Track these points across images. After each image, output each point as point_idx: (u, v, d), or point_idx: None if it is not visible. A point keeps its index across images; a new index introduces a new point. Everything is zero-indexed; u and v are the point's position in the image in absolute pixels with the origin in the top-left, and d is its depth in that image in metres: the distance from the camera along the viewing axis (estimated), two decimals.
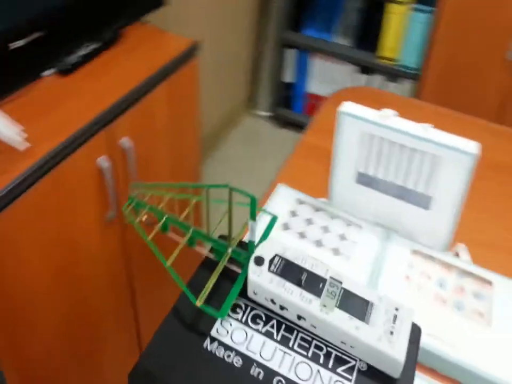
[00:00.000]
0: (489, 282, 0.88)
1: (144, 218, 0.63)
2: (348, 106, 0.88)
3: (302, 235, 0.92)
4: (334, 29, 2.50)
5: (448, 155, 0.84)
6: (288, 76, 2.66)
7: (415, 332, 0.61)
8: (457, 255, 0.98)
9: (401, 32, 2.29)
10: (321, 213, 0.96)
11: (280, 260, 0.60)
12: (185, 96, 1.40)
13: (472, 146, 0.84)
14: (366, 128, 0.87)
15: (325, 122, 1.30)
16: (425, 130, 0.85)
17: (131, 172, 1.25)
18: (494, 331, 0.79)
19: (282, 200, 0.97)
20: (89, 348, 1.34)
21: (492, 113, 2.23)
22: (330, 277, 0.61)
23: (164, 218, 0.60)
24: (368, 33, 2.42)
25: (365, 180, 0.94)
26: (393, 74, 2.43)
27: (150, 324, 1.65)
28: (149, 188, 0.63)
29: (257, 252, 0.60)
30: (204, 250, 0.63)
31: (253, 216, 0.55)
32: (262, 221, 0.90)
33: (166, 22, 1.87)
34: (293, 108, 2.76)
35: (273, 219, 0.65)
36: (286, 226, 0.93)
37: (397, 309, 0.60)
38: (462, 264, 0.90)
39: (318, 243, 0.91)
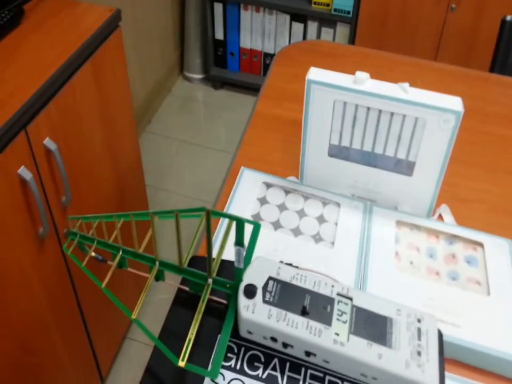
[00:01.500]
0: (480, 244, 0.81)
1: (93, 254, 0.49)
2: (316, 73, 0.76)
3: (276, 225, 0.80)
4: None
5: (432, 115, 0.74)
6: (219, 33, 2.49)
7: (440, 340, 0.52)
8: (440, 217, 0.90)
9: None
10: (293, 195, 0.85)
11: (275, 284, 0.49)
12: (112, 73, 1.22)
13: (456, 103, 0.74)
14: (339, 96, 0.76)
15: (276, 86, 1.17)
16: (404, 90, 0.74)
17: (61, 177, 1.05)
18: (494, 300, 0.72)
19: (248, 186, 0.85)
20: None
21: (430, 50, 2.17)
22: (338, 294, 0.50)
23: (119, 255, 0.47)
24: None
25: (339, 152, 0.83)
26: (328, 20, 2.31)
27: (106, 348, 1.50)
28: (90, 218, 0.49)
29: (246, 279, 0.48)
30: (174, 282, 0.50)
31: (240, 242, 0.43)
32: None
33: None
34: (227, 66, 2.59)
35: (256, 227, 0.53)
36: (257, 217, 0.81)
37: (419, 320, 0.50)
38: (449, 229, 0.82)
39: (296, 231, 0.80)
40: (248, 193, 0.83)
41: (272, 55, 2.48)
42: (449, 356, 0.69)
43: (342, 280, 0.72)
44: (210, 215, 0.42)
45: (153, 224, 0.46)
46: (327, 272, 0.72)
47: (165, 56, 2.51)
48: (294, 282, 0.49)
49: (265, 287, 0.48)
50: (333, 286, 0.50)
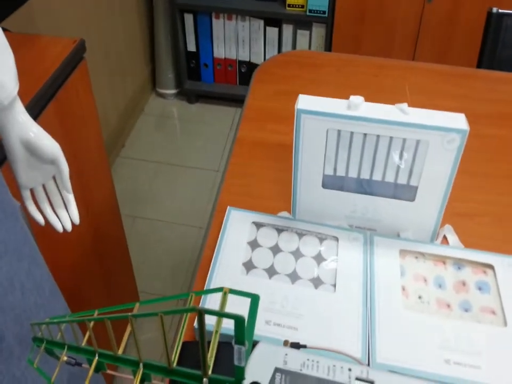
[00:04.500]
0: (490, 266, 0.75)
1: (65, 359, 0.41)
2: (306, 101, 0.69)
3: (271, 271, 0.73)
4: None
5: (435, 136, 0.68)
6: (191, 44, 2.40)
7: None
8: (445, 239, 0.84)
9: None
10: (287, 234, 0.78)
11: (283, 377, 0.41)
12: (79, 107, 1.13)
13: (459, 121, 0.68)
14: (332, 125, 0.68)
15: (258, 106, 1.09)
16: (403, 111, 0.67)
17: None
18: (511, 330, 0.66)
19: (237, 228, 0.77)
20: None
21: (409, 43, 2.12)
22: (357, 378, 0.42)
23: (95, 360, 0.39)
24: None
25: (333, 182, 0.76)
26: (304, 21, 2.24)
27: None
28: (56, 321, 0.41)
29: (249, 375, 0.41)
30: (162, 383, 0.43)
31: (241, 339, 0.36)
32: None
33: (34, 25, 1.54)
34: (201, 78, 2.50)
35: (255, 299, 0.45)
36: (249, 266, 0.73)
37: None
38: (455, 253, 0.76)
39: (293, 276, 0.72)
40: (237, 238, 0.76)
41: (247, 63, 2.40)
42: None
43: (348, 329, 0.65)
44: (203, 316, 0.35)
45: (133, 326, 0.38)
46: (335, 343, 0.65)
47: (135, 73, 2.41)
48: (305, 371, 0.42)
49: (271, 382, 0.41)
50: (349, 370, 0.42)
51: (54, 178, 0.78)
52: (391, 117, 0.67)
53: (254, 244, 0.76)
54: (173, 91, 2.55)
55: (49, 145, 0.71)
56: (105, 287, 1.38)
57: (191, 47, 2.41)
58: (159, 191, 2.11)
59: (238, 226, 0.77)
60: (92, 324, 0.42)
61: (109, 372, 0.44)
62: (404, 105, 0.67)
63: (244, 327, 0.36)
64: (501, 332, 0.66)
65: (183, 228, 1.95)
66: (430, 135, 0.67)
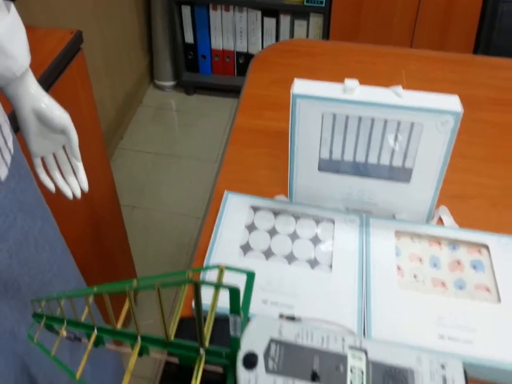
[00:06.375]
0: (484, 246, 0.76)
1: (65, 334, 0.42)
2: (301, 86, 0.69)
3: (268, 253, 0.74)
4: None
5: (429, 119, 0.69)
6: (188, 36, 2.40)
7: (466, 382, 0.46)
8: (440, 220, 0.85)
9: None
10: (283, 216, 0.79)
11: (278, 348, 0.42)
12: (77, 100, 1.13)
13: (453, 102, 0.68)
14: (328, 109, 0.69)
15: (255, 94, 1.10)
16: (398, 94, 0.68)
17: None
18: (505, 306, 0.67)
19: (234, 212, 0.78)
20: None
21: (406, 31, 2.12)
22: (350, 347, 0.43)
23: (94, 334, 0.40)
24: None
25: (329, 165, 0.77)
26: (301, 12, 2.24)
27: None
28: (55, 297, 0.42)
29: (245, 345, 0.42)
30: (161, 355, 0.44)
31: (236, 310, 0.37)
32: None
33: (31, 17, 1.54)
34: (199, 70, 2.51)
35: (250, 276, 0.46)
36: (247, 248, 0.74)
37: (443, 367, 0.44)
38: (450, 233, 0.77)
39: (290, 257, 0.73)
40: (234, 221, 0.77)
41: (245, 54, 2.41)
42: None
43: (343, 307, 0.66)
44: (200, 287, 0.36)
45: (130, 298, 0.39)
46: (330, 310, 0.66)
47: (134, 66, 2.42)
48: (300, 341, 0.43)
49: (267, 353, 0.42)
50: (343, 340, 0.44)
51: (63, 148, 0.81)
52: (385, 100, 0.68)
53: (251, 227, 0.77)
54: (171, 83, 2.55)
55: (60, 115, 0.74)
56: (105, 277, 1.39)
57: (189, 38, 2.41)
58: (157, 182, 2.12)
59: (236, 210, 0.78)
60: (91, 299, 0.43)
61: (108, 346, 0.45)
62: (399, 88, 0.68)
63: (238, 298, 0.37)
64: (495, 308, 0.67)
65: (182, 218, 1.96)
66: (424, 117, 0.68)
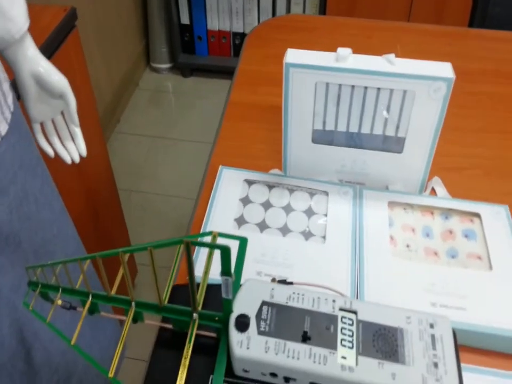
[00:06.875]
0: (476, 215, 0.76)
1: (60, 303, 0.43)
2: (294, 55, 0.69)
3: (262, 225, 0.74)
4: None
5: (421, 86, 0.69)
6: (184, 17, 2.38)
7: (455, 343, 0.46)
8: (433, 191, 0.85)
9: None
10: (278, 190, 0.79)
11: (270, 310, 0.43)
12: (72, 79, 1.12)
13: (445, 69, 0.68)
14: (321, 77, 0.69)
15: (250, 70, 1.09)
16: (390, 62, 0.68)
17: None
18: (497, 273, 0.68)
19: (229, 186, 0.79)
20: None
21: (402, 9, 2.10)
22: (341, 309, 0.44)
23: (89, 301, 0.41)
24: None
25: (323, 137, 0.77)
26: None
27: None
28: (50, 264, 0.43)
29: (237, 308, 0.43)
30: (155, 321, 0.45)
31: (227, 270, 0.38)
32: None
33: None
34: (196, 51, 2.49)
35: (243, 242, 0.47)
36: (241, 221, 0.75)
37: (432, 325, 0.45)
38: (443, 203, 0.77)
39: (284, 229, 0.74)
40: (229, 195, 0.77)
41: (241, 34, 2.39)
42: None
43: (337, 276, 0.67)
44: (190, 247, 0.36)
45: (124, 263, 0.40)
46: (325, 276, 0.67)
47: (129, 48, 2.40)
48: (291, 303, 0.44)
49: (259, 315, 0.42)
50: (334, 301, 0.44)
51: (62, 114, 0.82)
52: (378, 67, 0.68)
53: (245, 200, 0.77)
54: (167, 65, 2.54)
55: (58, 80, 0.75)
56: (103, 261, 1.40)
57: (185, 19, 2.40)
58: (155, 165, 2.12)
59: (230, 184, 0.79)
60: (85, 266, 0.44)
61: (102, 314, 0.45)
62: (391, 56, 0.68)
63: (229, 258, 0.38)
64: (487, 275, 0.68)
65: (179, 200, 1.97)
66: (416, 84, 0.68)
